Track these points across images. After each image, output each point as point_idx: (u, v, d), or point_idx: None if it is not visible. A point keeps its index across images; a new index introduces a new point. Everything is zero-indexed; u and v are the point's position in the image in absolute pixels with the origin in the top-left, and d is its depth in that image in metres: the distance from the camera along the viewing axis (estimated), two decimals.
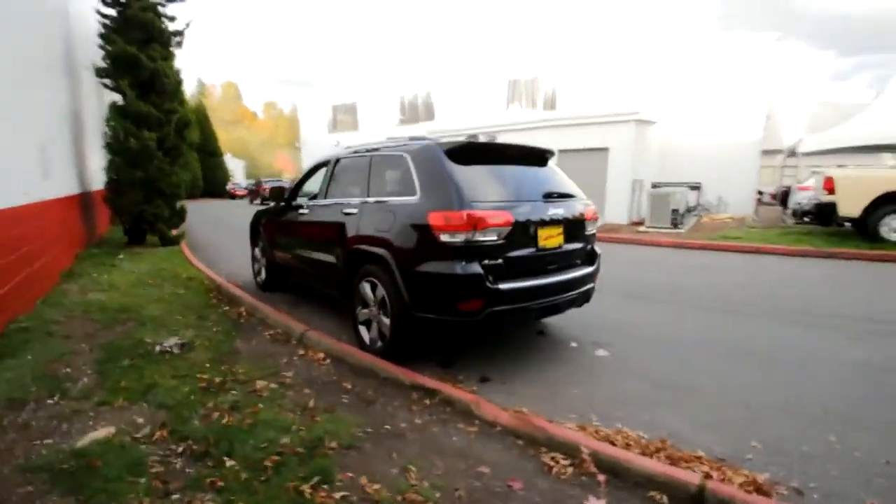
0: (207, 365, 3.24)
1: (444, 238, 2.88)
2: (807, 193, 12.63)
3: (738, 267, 7.07)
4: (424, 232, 2.98)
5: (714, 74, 16.02)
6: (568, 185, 3.68)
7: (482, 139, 3.69)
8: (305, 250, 4.43)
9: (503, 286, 2.96)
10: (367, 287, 3.48)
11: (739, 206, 15.54)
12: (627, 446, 2.23)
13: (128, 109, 7.36)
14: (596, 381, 3.13)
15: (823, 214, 9.25)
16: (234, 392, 2.80)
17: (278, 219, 5.09)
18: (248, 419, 2.43)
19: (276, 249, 5.12)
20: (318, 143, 26.29)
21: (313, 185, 4.97)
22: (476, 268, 2.89)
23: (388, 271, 3.21)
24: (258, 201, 26.46)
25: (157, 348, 3.47)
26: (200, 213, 18.02)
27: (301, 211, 4.54)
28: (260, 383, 2.92)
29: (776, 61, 15.86)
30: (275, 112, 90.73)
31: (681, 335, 4.02)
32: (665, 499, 1.89)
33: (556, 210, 3.32)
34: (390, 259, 3.16)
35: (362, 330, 3.61)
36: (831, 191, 8.17)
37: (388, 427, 2.42)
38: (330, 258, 3.97)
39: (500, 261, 2.99)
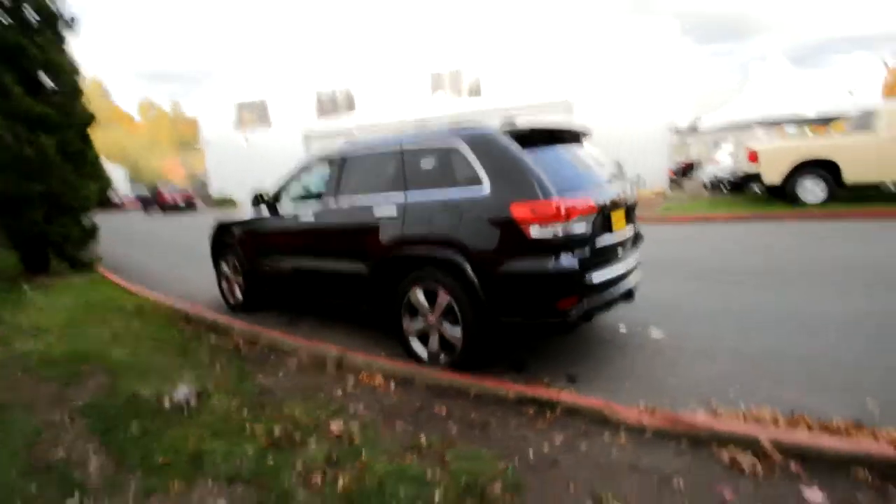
0: (245, 414, 2.61)
1: (535, 232, 2.57)
2: (717, 166, 14.10)
3: (702, 236, 7.56)
4: (507, 227, 2.64)
5: (623, 59, 17.15)
6: (614, 165, 3.54)
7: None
8: (314, 261, 3.81)
9: (595, 278, 2.73)
10: (420, 295, 3.04)
11: (655, 182, 16.91)
12: (790, 426, 2.13)
13: (16, 110, 5.87)
14: (680, 364, 3.03)
15: (747, 183, 10.34)
16: (313, 443, 2.25)
17: (263, 228, 4.35)
18: (365, 476, 1.94)
19: (262, 264, 4.38)
20: (224, 144, 23.95)
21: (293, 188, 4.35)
22: (572, 261, 2.62)
23: (459, 275, 2.81)
24: (157, 210, 23.49)
25: (166, 403, 2.73)
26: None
27: (302, 218, 3.89)
28: (335, 425, 2.39)
29: (674, 48, 17.42)
30: (153, 112, 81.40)
31: (711, 307, 4.09)
32: (868, 475, 1.81)
33: (620, 192, 3.16)
34: (462, 261, 2.77)
35: (414, 343, 3.17)
36: (756, 162, 9.08)
37: (532, 454, 2.08)
38: (356, 267, 3.43)
39: (587, 251, 2.75)
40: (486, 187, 2.76)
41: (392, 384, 2.87)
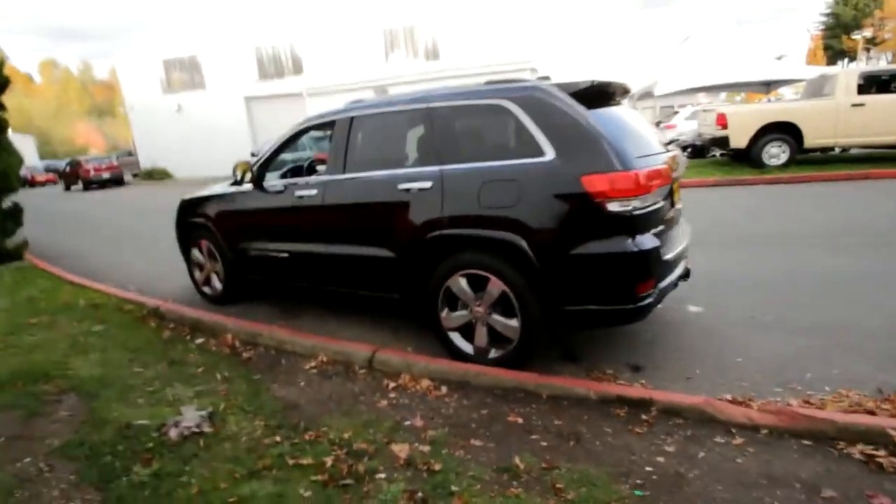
0: (277, 440, 2.16)
1: (613, 207, 2.23)
2: (675, 131, 14.37)
3: (684, 202, 7.59)
4: (579, 203, 2.28)
5: (582, 22, 16.88)
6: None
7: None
8: (320, 245, 3.27)
9: (667, 256, 2.46)
10: (463, 283, 2.65)
11: None
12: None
13: None
14: (737, 342, 2.86)
15: (711, 147, 10.56)
16: (382, 474, 1.85)
17: (249, 207, 3.71)
18: None
19: (248, 249, 3.76)
20: (152, 108, 21.57)
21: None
22: (651, 239, 2.33)
23: (517, 259, 2.44)
24: (79, 186, 20.98)
25: (173, 433, 2.21)
26: None
27: (301, 193, 3.31)
28: (399, 448, 2.01)
29: (628, 12, 17.33)
30: (58, 73, 72.36)
31: (728, 276, 3.98)
32: None
33: (675, 158, 2.87)
34: (522, 243, 2.39)
35: (455, 338, 2.79)
36: (724, 126, 9.22)
37: (650, 469, 1.81)
38: (380, 252, 2.95)
39: (662, 227, 2.47)
40: (549, 156, 2.37)
41: (443, 388, 2.50)
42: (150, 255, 6.41)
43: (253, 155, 13.27)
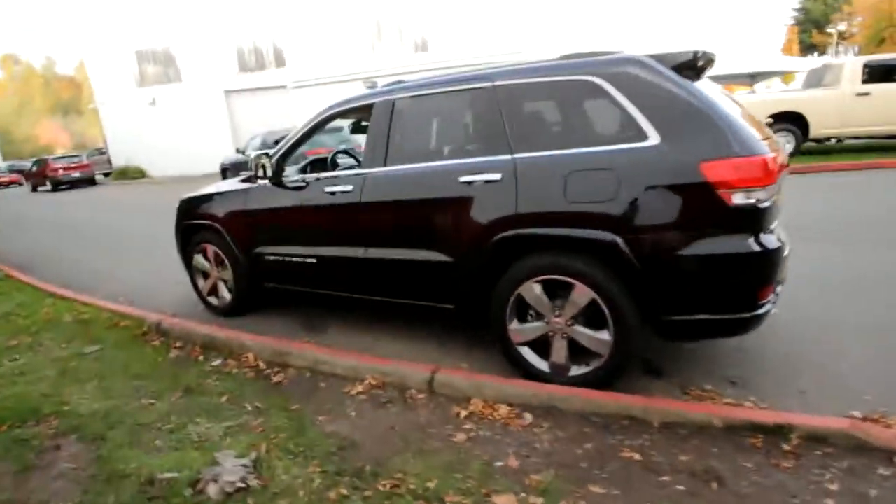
0: (344, 492, 1.75)
1: (738, 199, 1.89)
2: None
3: None
4: (698, 193, 1.93)
5: (571, 13, 16.63)
6: None
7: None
8: (358, 248, 2.84)
9: (784, 255, 2.13)
10: (538, 290, 2.28)
11: None
12: None
13: None
14: (831, 349, 2.53)
15: None
16: None
17: (266, 205, 3.25)
18: None
19: (265, 254, 3.30)
20: (124, 103, 20.48)
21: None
22: (775, 237, 2.00)
23: (613, 262, 2.08)
24: (47, 187, 19.80)
25: (212, 489, 1.77)
26: None
27: (330, 190, 2.88)
28: (504, 501, 1.63)
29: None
30: (20, 69, 68.95)
31: (792, 271, 3.73)
32: None
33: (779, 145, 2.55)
34: (621, 243, 2.03)
35: (526, 353, 2.41)
36: None
37: None
38: (433, 255, 2.55)
39: (776, 223, 2.14)
40: (653, 140, 2.01)
41: (527, 416, 2.13)
42: (137, 262, 5.83)
43: (238, 151, 12.62)
